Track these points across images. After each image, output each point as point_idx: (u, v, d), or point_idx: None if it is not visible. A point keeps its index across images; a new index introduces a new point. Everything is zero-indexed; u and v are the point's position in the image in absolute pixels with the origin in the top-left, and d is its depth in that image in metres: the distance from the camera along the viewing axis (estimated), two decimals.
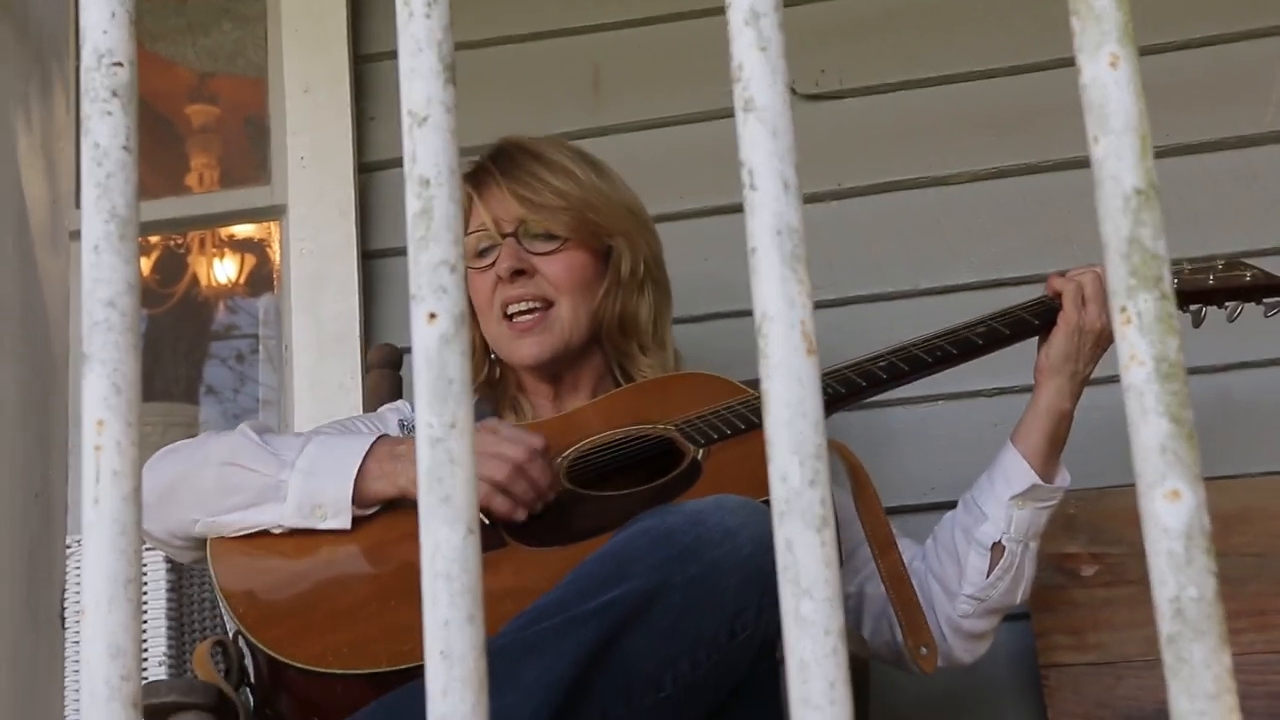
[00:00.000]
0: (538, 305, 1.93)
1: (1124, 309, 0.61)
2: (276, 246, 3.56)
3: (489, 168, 1.98)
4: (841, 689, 0.59)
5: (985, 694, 2.26)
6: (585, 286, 1.94)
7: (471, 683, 0.61)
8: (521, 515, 1.69)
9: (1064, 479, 1.88)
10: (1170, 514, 0.59)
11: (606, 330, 1.97)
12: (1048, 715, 2.07)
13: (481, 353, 2.01)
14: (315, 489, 1.68)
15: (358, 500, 1.68)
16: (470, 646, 0.61)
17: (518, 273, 1.92)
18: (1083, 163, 2.35)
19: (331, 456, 1.71)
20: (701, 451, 1.80)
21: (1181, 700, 0.57)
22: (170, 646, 2.06)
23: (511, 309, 1.93)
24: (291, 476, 1.68)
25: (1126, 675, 2.05)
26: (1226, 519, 2.08)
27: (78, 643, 1.76)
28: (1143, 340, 0.60)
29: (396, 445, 1.72)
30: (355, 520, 1.68)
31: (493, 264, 1.93)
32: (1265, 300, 2.01)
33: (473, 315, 1.99)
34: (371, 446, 1.71)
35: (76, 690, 1.84)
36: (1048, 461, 1.86)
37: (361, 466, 1.69)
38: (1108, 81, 0.63)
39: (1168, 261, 0.62)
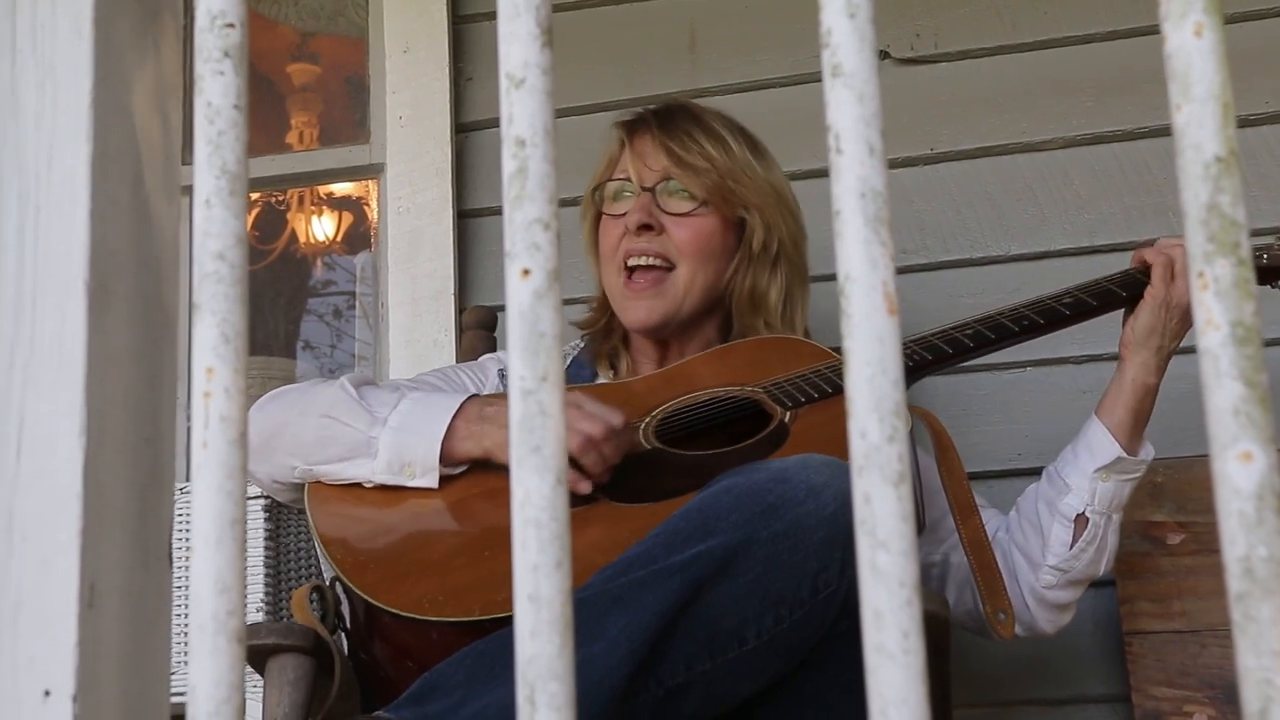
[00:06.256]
0: (658, 263, 1.94)
1: (1201, 274, 0.62)
2: (373, 204, 3.61)
3: (647, 118, 2.01)
4: (915, 639, 0.61)
5: (1069, 659, 2.26)
6: (709, 255, 1.95)
7: (558, 625, 0.63)
8: (586, 488, 1.70)
9: (1148, 451, 1.88)
10: (1242, 475, 0.60)
11: (737, 304, 1.98)
12: (1130, 682, 2.07)
13: (602, 300, 2.04)
14: (405, 447, 1.72)
15: (445, 460, 1.72)
16: (557, 591, 0.63)
17: (645, 227, 1.93)
18: None
19: (422, 416, 1.74)
20: (789, 414, 1.81)
21: (1248, 657, 0.58)
22: (267, 592, 2.11)
23: (632, 261, 1.95)
24: (383, 433, 1.72)
25: (1211, 644, 2.04)
26: None
27: (185, 581, 1.82)
28: (1219, 304, 0.61)
29: (485, 407, 1.75)
30: (444, 478, 1.72)
31: (625, 214, 1.96)
32: None
33: (598, 262, 2.02)
34: (461, 407, 1.74)
35: (180, 626, 1.90)
36: (1132, 435, 1.86)
37: (450, 426, 1.72)
38: (1192, 50, 0.63)
39: (1246, 228, 0.62)
